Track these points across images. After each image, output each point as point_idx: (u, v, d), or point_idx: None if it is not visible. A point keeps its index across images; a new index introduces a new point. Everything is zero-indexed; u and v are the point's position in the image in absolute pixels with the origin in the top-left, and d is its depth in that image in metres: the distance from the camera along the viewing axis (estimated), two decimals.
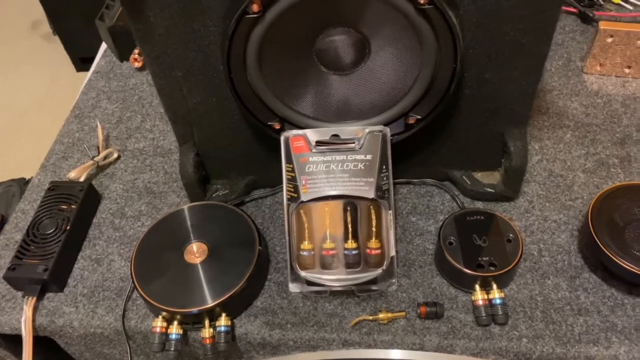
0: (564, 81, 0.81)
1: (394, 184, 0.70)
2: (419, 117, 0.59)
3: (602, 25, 0.77)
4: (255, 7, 0.49)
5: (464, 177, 0.67)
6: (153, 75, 0.58)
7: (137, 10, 0.53)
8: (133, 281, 0.59)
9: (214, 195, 0.69)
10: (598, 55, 0.80)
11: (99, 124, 0.81)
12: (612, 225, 0.58)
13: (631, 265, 0.55)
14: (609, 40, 0.77)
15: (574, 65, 0.83)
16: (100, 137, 0.79)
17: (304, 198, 0.58)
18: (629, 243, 0.57)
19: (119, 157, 0.79)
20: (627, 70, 0.80)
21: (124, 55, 0.94)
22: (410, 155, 0.67)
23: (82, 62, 2.07)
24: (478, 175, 0.68)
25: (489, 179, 0.67)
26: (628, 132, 0.73)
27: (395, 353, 0.57)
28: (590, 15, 0.88)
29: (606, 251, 0.56)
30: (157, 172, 0.76)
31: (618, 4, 0.90)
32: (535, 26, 0.52)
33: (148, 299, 0.58)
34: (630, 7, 0.89)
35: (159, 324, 0.58)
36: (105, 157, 0.78)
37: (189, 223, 0.63)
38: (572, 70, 0.83)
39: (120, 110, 0.86)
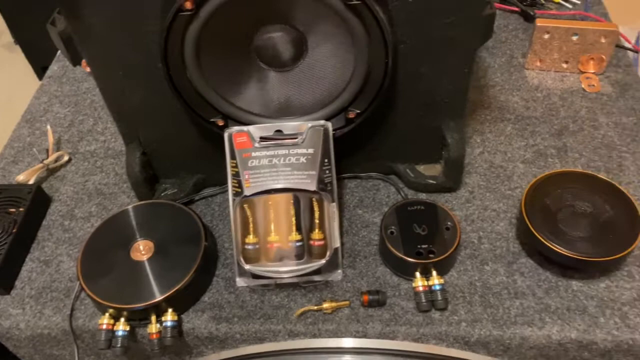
0: (507, 77, 0.84)
1: (342, 178, 0.72)
2: (359, 111, 0.60)
3: (539, 22, 0.80)
4: (188, 4, 0.50)
5: (407, 169, 0.69)
6: (94, 76, 0.59)
7: (74, 12, 0.53)
8: (79, 280, 0.59)
9: (162, 194, 0.70)
10: (538, 51, 0.83)
11: (49, 127, 0.80)
12: (545, 211, 0.61)
13: (562, 249, 0.57)
14: (546, 36, 0.80)
15: (516, 62, 0.86)
16: (51, 140, 0.79)
17: (246, 192, 0.59)
18: (561, 227, 0.59)
19: (70, 160, 0.79)
20: (564, 65, 0.83)
21: (76, 60, 0.93)
22: (355, 150, 0.68)
23: (43, 70, 2.03)
24: (421, 168, 0.70)
25: (431, 171, 0.69)
26: (565, 124, 0.76)
27: (339, 341, 0.58)
28: (532, 13, 0.91)
29: (538, 236, 0.58)
30: (108, 173, 0.76)
31: (558, 3, 0.94)
32: (463, 21, 0.54)
33: (93, 296, 0.58)
34: (570, 6, 0.93)
35: (105, 321, 0.58)
36: (56, 160, 0.78)
37: (134, 222, 0.63)
38: (514, 66, 0.86)
39: (72, 114, 0.86)
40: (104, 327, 0.58)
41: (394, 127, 0.65)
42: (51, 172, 0.77)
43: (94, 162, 0.78)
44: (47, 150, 0.78)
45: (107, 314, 0.58)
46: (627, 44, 0.87)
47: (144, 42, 0.56)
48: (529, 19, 0.92)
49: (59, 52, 0.99)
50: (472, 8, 0.53)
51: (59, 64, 0.96)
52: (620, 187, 0.61)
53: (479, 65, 0.86)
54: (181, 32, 0.53)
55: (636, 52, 0.87)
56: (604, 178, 0.62)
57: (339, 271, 0.62)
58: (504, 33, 0.91)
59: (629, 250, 0.56)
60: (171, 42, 0.53)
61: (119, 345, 0.58)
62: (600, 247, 0.57)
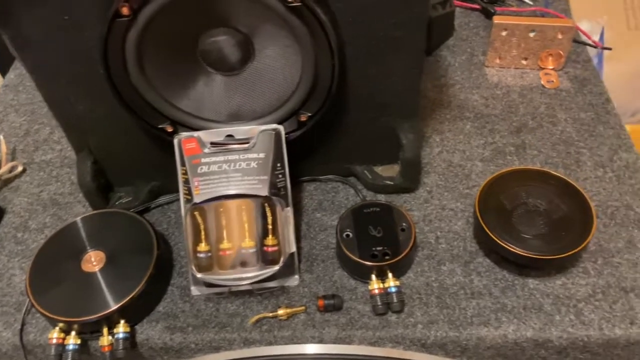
0: (467, 75, 0.84)
1: (301, 182, 0.71)
2: (310, 114, 0.60)
3: (496, 19, 0.80)
4: (125, 10, 0.49)
5: (365, 171, 0.69)
6: (37, 85, 0.58)
7: (9, 22, 0.52)
8: (28, 294, 0.58)
9: (117, 203, 0.68)
10: (498, 48, 0.83)
11: (1, 137, 0.79)
12: (499, 210, 0.60)
13: (515, 247, 0.57)
14: (504, 33, 0.80)
15: (476, 60, 0.86)
16: (4, 150, 0.77)
17: (196, 200, 0.58)
18: (515, 226, 0.59)
19: (24, 170, 0.77)
20: (524, 62, 0.83)
21: None
22: (311, 153, 0.68)
23: None
24: (379, 169, 0.69)
25: (389, 172, 0.68)
26: (524, 121, 0.76)
27: (295, 348, 0.58)
28: (492, 11, 0.91)
29: (492, 235, 0.58)
30: (64, 183, 0.75)
31: (520, 0, 0.94)
32: (406, 21, 0.54)
33: (42, 310, 0.57)
34: (530, 2, 0.93)
35: (55, 335, 0.57)
36: (10, 171, 0.76)
37: (84, 233, 0.62)
38: (474, 64, 0.85)
39: (28, 123, 0.84)
40: (54, 341, 0.56)
41: (347, 129, 0.64)
42: (4, 183, 0.76)
43: (50, 171, 0.77)
44: (0, 161, 0.76)
45: (57, 328, 0.57)
46: (586, 39, 0.87)
47: (85, 49, 0.54)
48: (490, 16, 0.92)
49: (15, 60, 0.97)
50: (416, 8, 0.53)
51: (16, 72, 0.94)
52: (574, 183, 0.61)
53: (439, 63, 0.85)
54: (121, 38, 0.52)
55: (595, 47, 0.88)
56: (558, 174, 0.62)
57: (296, 276, 0.61)
58: (465, 31, 0.91)
59: (582, 246, 0.56)
60: (111, 48, 0.52)
61: (69, 359, 0.56)
62: (554, 244, 0.57)
